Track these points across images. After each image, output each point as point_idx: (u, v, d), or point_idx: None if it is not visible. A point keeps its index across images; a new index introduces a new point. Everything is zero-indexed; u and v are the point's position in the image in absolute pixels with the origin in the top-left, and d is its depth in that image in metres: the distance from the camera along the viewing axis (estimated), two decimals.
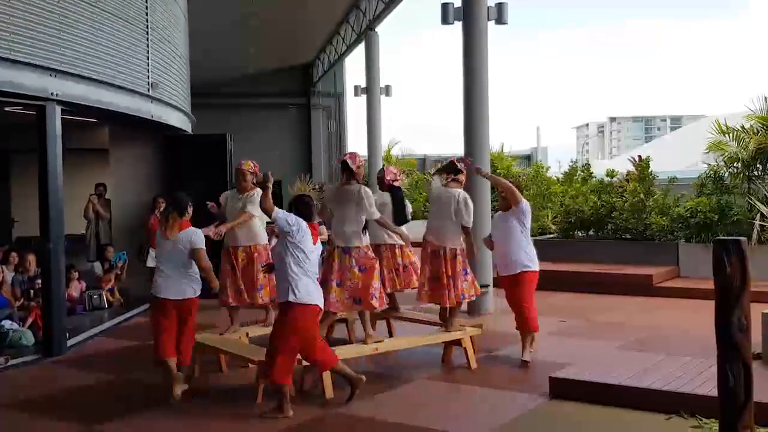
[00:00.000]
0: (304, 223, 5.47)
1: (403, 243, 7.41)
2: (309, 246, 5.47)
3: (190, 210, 6.18)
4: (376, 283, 6.36)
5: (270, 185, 5.47)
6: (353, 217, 6.36)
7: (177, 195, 6.32)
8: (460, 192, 6.93)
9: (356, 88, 18.47)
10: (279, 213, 5.39)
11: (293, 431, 5.21)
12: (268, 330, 7.57)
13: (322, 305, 5.63)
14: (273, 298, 6.93)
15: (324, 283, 6.23)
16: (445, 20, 10.01)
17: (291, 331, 5.41)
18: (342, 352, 6.43)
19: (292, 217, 5.43)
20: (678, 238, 11.79)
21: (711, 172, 12.04)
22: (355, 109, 30.58)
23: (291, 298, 5.38)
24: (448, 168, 7.17)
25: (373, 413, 5.54)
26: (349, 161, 6.50)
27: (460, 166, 7.12)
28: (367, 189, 6.46)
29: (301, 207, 5.61)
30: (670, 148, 25.60)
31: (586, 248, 12.67)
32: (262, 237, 7.31)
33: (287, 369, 5.44)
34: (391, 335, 7.96)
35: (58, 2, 7.56)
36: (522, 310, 6.97)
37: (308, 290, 5.43)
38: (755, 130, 11.53)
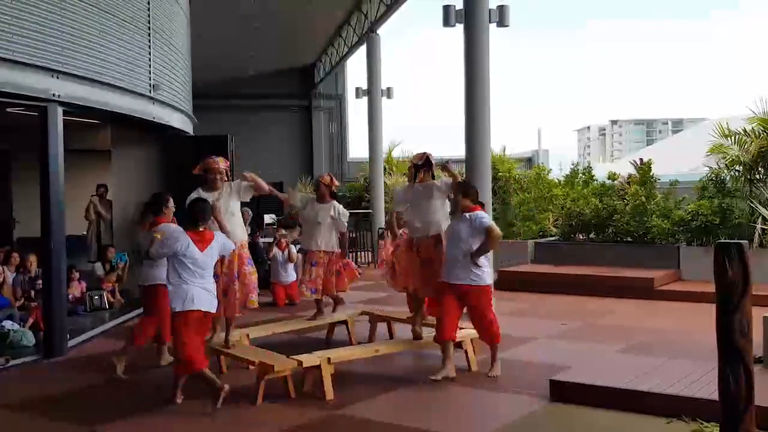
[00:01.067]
0: (181, 237, 5.75)
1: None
2: (195, 255, 5.72)
3: (166, 209, 6.57)
4: None
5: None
6: (441, 209, 6.90)
7: (155, 194, 6.84)
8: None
9: (357, 90, 18.48)
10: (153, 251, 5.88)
11: None
12: (268, 331, 7.61)
13: (205, 309, 5.78)
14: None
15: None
16: (446, 22, 10.01)
17: (177, 336, 5.75)
18: (343, 353, 6.44)
19: (164, 246, 5.78)
20: (679, 242, 11.78)
21: (712, 175, 12.02)
22: (356, 111, 30.59)
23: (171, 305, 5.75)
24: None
25: (373, 415, 5.54)
26: (432, 159, 7.03)
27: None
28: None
29: (194, 210, 5.95)
30: (671, 151, 25.53)
31: (587, 251, 12.66)
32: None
33: (201, 355, 5.76)
34: (391, 337, 7.96)
35: (60, 3, 7.58)
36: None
37: (188, 297, 5.68)
38: (757, 133, 11.51)
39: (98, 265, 11.19)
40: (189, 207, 6.08)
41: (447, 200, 6.91)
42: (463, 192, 6.55)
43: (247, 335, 7.22)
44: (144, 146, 11.76)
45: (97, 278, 10.87)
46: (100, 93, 8.32)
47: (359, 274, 8.06)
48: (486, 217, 6.56)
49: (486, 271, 6.48)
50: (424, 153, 7.05)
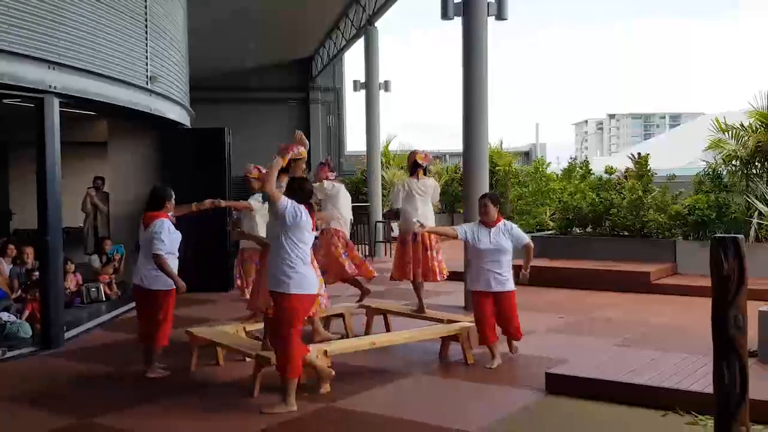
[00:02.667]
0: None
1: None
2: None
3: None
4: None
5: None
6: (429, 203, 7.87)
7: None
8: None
9: (355, 83, 18.46)
10: None
11: (290, 425, 5.22)
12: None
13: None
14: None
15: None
16: (444, 15, 9.99)
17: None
18: (339, 346, 6.44)
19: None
20: (676, 236, 11.80)
21: (709, 170, 12.04)
22: (354, 104, 30.59)
23: None
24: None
25: (370, 407, 5.55)
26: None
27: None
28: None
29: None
30: (668, 145, 25.58)
31: (583, 245, 12.68)
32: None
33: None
34: (388, 330, 7.98)
35: None
36: None
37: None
38: (754, 128, 11.52)
39: (95, 258, 11.19)
40: None
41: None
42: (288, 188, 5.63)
43: (244, 328, 7.23)
44: (141, 138, 11.74)
45: (94, 270, 10.86)
46: (97, 85, 8.30)
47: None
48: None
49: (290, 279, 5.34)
50: (427, 154, 7.96)
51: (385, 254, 16.57)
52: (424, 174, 7.89)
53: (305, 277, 5.36)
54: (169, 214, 6.51)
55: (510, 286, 6.87)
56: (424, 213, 7.70)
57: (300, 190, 5.50)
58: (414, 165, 7.84)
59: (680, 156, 18.33)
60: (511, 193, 14.64)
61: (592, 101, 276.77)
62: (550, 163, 16.97)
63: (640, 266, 11.21)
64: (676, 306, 9.67)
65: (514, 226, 6.96)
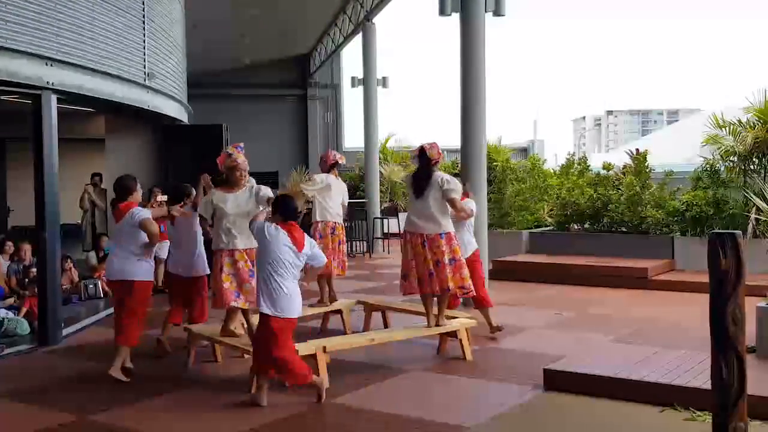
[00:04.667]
0: None
1: None
2: None
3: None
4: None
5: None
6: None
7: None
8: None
9: (353, 79, 18.44)
10: None
11: (287, 421, 5.23)
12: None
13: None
14: None
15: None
16: (442, 12, 9.98)
17: None
18: (338, 342, 6.45)
19: None
20: (674, 232, 11.81)
21: (707, 166, 12.05)
22: (351, 100, 30.55)
23: None
24: None
25: (368, 404, 5.56)
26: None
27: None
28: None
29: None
30: (666, 141, 25.54)
31: (581, 241, 12.69)
32: None
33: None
34: (386, 326, 7.97)
35: None
36: None
37: None
38: (752, 124, 11.53)
39: (92, 254, 11.18)
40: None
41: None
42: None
43: (243, 324, 7.22)
44: (139, 135, 11.73)
45: (91, 267, 10.86)
46: (94, 81, 8.28)
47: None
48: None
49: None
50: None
51: (383, 250, 16.63)
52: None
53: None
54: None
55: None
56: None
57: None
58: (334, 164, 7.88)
59: (678, 152, 18.31)
60: (509, 189, 14.61)
61: (589, 97, 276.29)
62: (545, 159, 16.93)
63: (638, 262, 11.22)
64: (674, 302, 9.68)
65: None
